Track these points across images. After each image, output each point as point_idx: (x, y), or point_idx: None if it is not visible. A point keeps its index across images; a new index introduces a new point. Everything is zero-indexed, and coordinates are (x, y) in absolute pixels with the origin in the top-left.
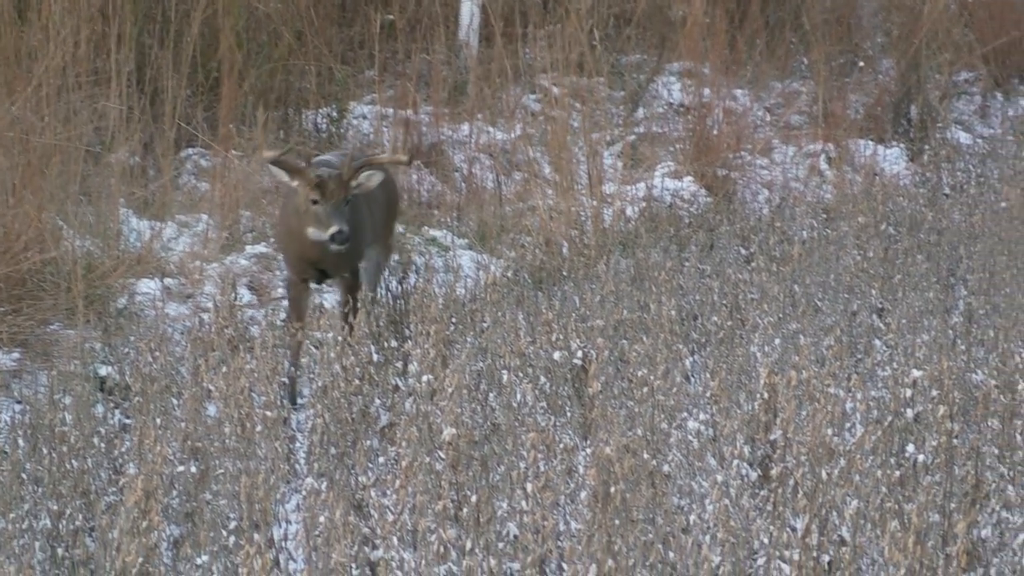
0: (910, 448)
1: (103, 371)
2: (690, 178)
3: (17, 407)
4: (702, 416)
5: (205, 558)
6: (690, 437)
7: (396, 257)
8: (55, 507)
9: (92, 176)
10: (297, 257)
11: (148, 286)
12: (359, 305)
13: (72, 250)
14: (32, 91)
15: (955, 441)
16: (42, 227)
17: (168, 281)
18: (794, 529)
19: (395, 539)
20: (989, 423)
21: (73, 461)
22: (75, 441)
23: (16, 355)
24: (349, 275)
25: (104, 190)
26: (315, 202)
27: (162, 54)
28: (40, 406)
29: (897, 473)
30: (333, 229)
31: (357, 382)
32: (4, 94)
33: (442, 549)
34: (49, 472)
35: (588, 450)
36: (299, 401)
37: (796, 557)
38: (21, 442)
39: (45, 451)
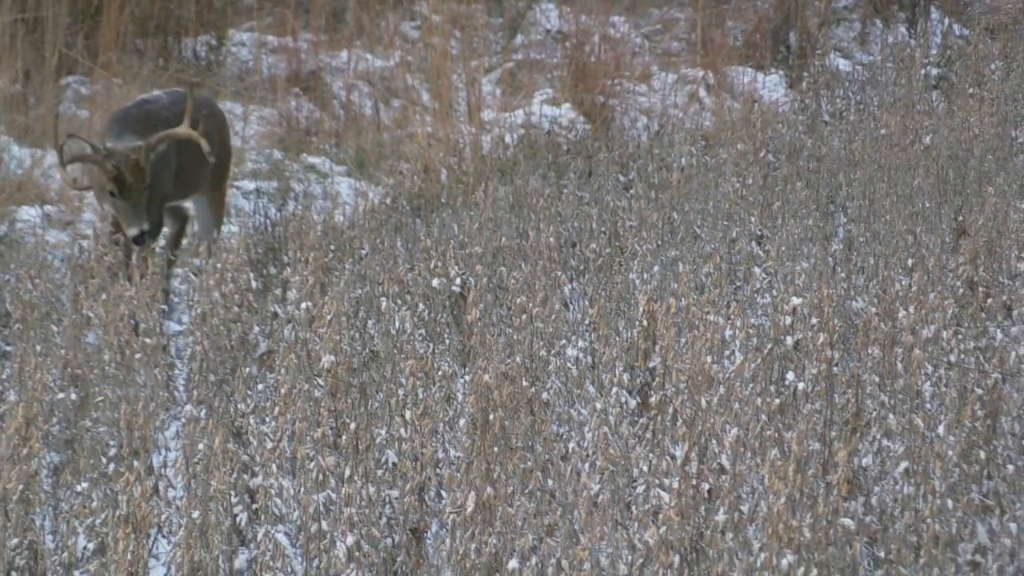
0: (790, 376)
1: None
2: (568, 105)
3: None
4: (581, 343)
5: (85, 485)
6: (569, 365)
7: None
8: None
9: None
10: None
11: (28, 213)
12: (182, 243)
13: None
14: None
15: (835, 369)
16: None
17: (48, 208)
18: (673, 457)
19: (274, 466)
20: (869, 351)
21: None
22: None
23: None
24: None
25: None
26: (112, 194)
27: None
28: None
29: (777, 401)
30: (133, 231)
31: (236, 309)
32: None
33: (321, 476)
34: None
35: (467, 378)
36: (178, 328)
37: (675, 485)
38: None
39: None
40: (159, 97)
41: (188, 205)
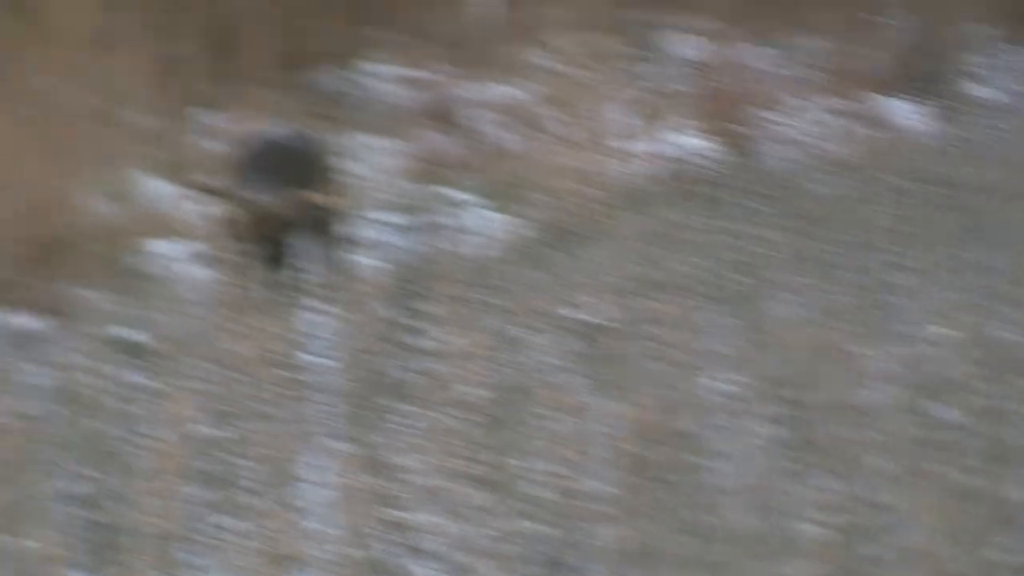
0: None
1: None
2: (705, 134)
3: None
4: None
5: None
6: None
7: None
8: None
9: (108, 139)
10: None
11: (169, 248)
12: None
13: (93, 212)
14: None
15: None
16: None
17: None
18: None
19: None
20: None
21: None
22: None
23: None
24: None
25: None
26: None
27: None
28: (66, 370)
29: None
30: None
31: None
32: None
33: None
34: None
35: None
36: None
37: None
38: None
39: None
40: (288, 136)
41: None
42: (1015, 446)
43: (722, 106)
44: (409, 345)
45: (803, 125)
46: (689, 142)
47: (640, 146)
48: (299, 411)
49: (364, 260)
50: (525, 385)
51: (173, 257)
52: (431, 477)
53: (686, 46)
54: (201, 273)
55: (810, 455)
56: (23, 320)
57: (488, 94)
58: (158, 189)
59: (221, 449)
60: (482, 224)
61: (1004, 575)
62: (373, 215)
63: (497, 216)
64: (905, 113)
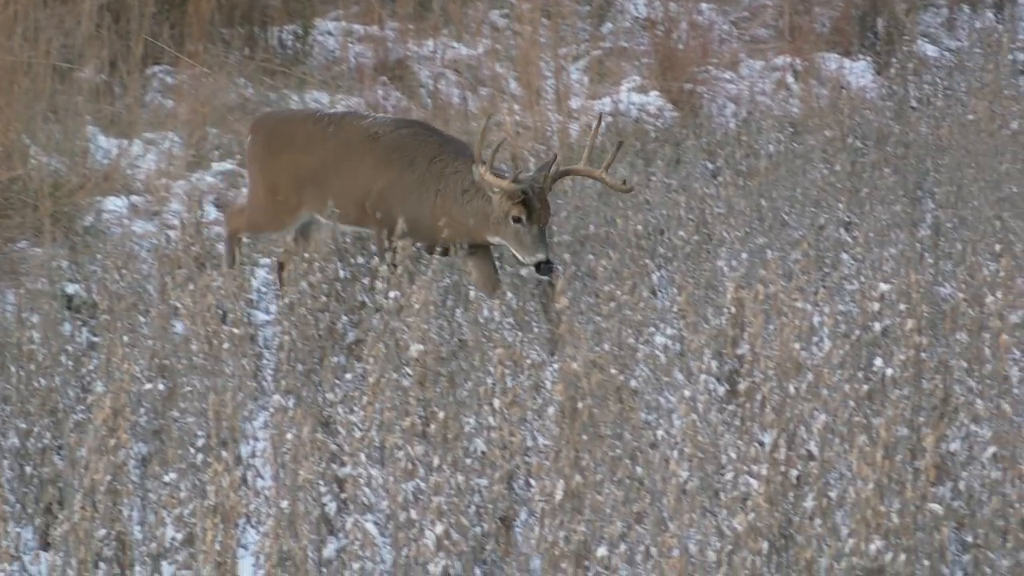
0: (878, 362)
1: (70, 289)
2: (656, 93)
3: None
4: (669, 331)
5: (173, 475)
6: (657, 352)
7: None
8: (23, 425)
9: (59, 94)
10: (438, 238)
11: (115, 204)
12: None
13: (39, 168)
14: None
15: (923, 355)
16: (9, 145)
17: (135, 199)
18: (762, 444)
19: (363, 455)
20: (957, 337)
21: (41, 379)
22: (43, 359)
23: None
24: None
25: (71, 108)
26: (517, 220)
27: None
28: (7, 324)
29: (865, 387)
30: (539, 257)
31: (324, 299)
32: None
33: (410, 466)
34: (17, 391)
35: (555, 366)
36: (266, 317)
37: (764, 471)
38: None
39: (13, 369)
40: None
41: None
42: (953, 400)
43: (674, 65)
44: (357, 301)
45: (754, 83)
46: (641, 100)
47: (589, 103)
48: (244, 366)
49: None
50: (469, 341)
51: (121, 213)
52: (374, 432)
53: (636, 3)
54: (148, 229)
55: (750, 409)
56: None
57: (443, 52)
58: (108, 145)
59: (165, 404)
60: None
61: (937, 525)
62: None
63: None
64: (854, 71)
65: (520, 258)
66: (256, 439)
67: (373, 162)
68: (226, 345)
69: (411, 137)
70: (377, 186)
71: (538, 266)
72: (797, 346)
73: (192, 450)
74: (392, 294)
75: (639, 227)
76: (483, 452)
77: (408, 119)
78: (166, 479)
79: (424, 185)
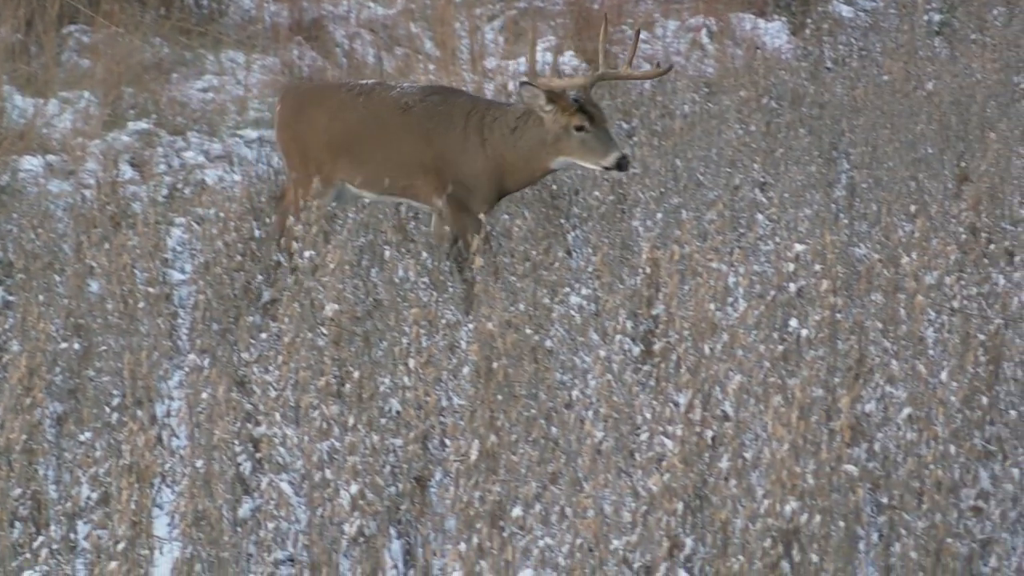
0: (793, 323)
1: None
2: (571, 53)
3: None
4: (584, 291)
5: (88, 435)
6: (572, 312)
7: None
8: None
9: None
10: (501, 189)
11: (30, 163)
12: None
13: None
14: None
15: (838, 315)
16: None
17: (50, 158)
18: (677, 404)
19: (278, 415)
20: (872, 297)
21: None
22: None
23: None
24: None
25: None
26: (580, 128)
27: None
28: None
29: (780, 348)
30: (618, 154)
31: (239, 258)
32: None
33: (324, 425)
34: None
35: (470, 326)
36: (182, 277)
37: (679, 432)
38: None
39: None
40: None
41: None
42: (868, 361)
43: (589, 24)
44: (272, 260)
45: (669, 44)
46: (558, 60)
47: (505, 63)
48: (159, 325)
49: (230, 175)
50: (384, 301)
51: (37, 172)
52: (289, 391)
53: None
54: (64, 188)
55: (665, 369)
56: None
57: (359, 12)
58: (24, 104)
59: (80, 363)
60: None
61: (852, 486)
62: (240, 131)
63: None
64: (769, 31)
65: (596, 164)
66: (171, 398)
67: (412, 138)
68: (141, 304)
69: (441, 103)
70: (425, 159)
71: (619, 164)
72: (712, 307)
73: (107, 409)
74: (307, 253)
75: (554, 187)
76: (398, 412)
77: (434, 86)
78: (81, 438)
79: (468, 140)
